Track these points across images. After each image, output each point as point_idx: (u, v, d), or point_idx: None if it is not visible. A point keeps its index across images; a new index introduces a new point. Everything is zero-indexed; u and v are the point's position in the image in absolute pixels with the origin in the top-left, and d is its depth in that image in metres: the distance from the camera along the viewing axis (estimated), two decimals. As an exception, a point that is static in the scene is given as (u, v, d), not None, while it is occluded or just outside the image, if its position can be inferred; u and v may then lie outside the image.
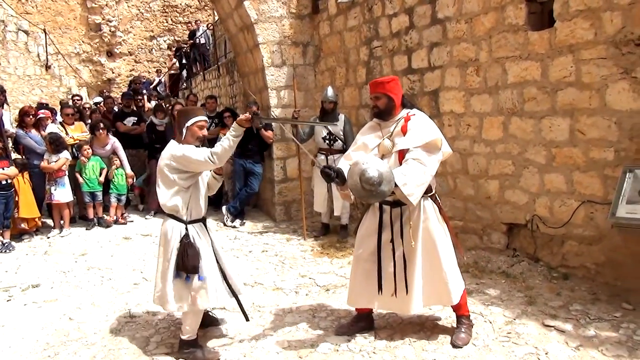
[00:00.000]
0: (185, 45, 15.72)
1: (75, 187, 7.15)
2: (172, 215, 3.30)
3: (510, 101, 4.54)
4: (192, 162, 3.18)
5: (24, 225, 6.53)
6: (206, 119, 3.46)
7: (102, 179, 7.06)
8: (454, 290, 3.27)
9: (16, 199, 6.37)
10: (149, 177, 7.79)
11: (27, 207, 6.49)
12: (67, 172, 6.84)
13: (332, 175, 3.12)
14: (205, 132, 3.37)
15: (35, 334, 3.78)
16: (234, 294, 3.44)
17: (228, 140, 3.14)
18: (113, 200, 7.23)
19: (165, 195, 3.27)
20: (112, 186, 7.23)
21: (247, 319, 3.51)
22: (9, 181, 6.18)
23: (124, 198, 7.40)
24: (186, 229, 3.26)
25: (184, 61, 15.37)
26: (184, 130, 3.31)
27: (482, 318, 3.61)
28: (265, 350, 3.37)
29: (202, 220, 3.39)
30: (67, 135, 7.23)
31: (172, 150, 3.25)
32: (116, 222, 7.20)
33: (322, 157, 6.00)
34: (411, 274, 3.28)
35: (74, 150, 7.26)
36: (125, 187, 7.35)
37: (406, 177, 3.01)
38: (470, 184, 5.06)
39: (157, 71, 17.53)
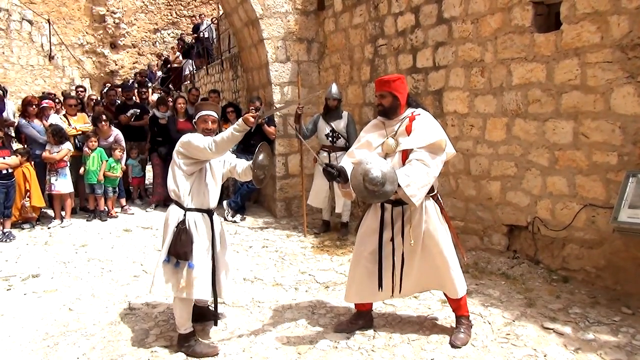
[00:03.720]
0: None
1: (77, 178, 7.15)
2: (176, 202, 3.36)
3: (514, 103, 4.53)
4: (193, 147, 3.26)
5: (33, 214, 6.57)
6: (210, 112, 3.47)
7: (101, 176, 7.02)
8: (459, 283, 3.29)
9: (27, 187, 6.43)
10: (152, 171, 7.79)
11: (37, 195, 6.55)
12: (68, 163, 6.84)
13: (335, 174, 3.12)
14: (209, 124, 3.42)
15: (35, 324, 3.79)
16: (215, 294, 3.43)
17: (229, 133, 3.17)
18: (110, 193, 7.21)
19: (170, 179, 3.38)
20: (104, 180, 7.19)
21: (216, 324, 3.61)
22: (10, 170, 6.19)
23: (117, 190, 7.36)
24: (184, 215, 3.29)
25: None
26: (196, 126, 3.48)
27: (482, 319, 3.61)
28: (264, 345, 3.37)
29: (208, 212, 3.40)
30: (69, 126, 7.23)
31: (183, 137, 3.37)
32: (108, 214, 7.14)
33: (325, 154, 6.00)
34: (408, 274, 3.30)
35: (76, 141, 7.25)
36: (116, 180, 7.32)
37: (409, 178, 3.01)
38: (472, 184, 5.06)
39: (156, 65, 17.49)
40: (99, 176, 7.00)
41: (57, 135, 6.65)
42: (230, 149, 3.53)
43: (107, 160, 7.09)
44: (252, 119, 3.15)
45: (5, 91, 7.63)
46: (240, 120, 3.17)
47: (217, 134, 3.43)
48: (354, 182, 3.01)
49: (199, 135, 3.34)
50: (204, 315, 3.68)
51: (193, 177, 3.34)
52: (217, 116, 3.49)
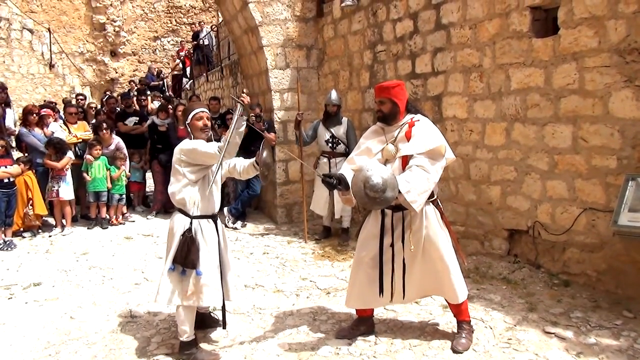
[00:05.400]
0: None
1: (78, 186, 7.16)
2: (180, 210, 3.34)
3: (513, 107, 4.55)
4: (200, 154, 3.21)
5: (37, 222, 6.60)
6: (203, 109, 3.46)
7: (109, 184, 7.05)
8: (459, 288, 3.29)
9: (29, 195, 6.45)
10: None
11: (40, 203, 6.57)
12: (68, 171, 6.82)
13: (334, 183, 3.14)
14: (205, 121, 3.39)
15: (36, 333, 3.79)
16: (224, 298, 3.43)
17: (231, 133, 3.12)
18: (114, 201, 7.22)
19: (174, 188, 3.34)
20: (113, 186, 7.21)
21: (224, 327, 3.57)
22: (12, 179, 6.20)
23: (123, 197, 7.40)
24: (190, 223, 3.29)
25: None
26: (189, 128, 3.42)
27: (483, 324, 3.61)
28: (265, 352, 3.37)
29: (212, 217, 3.39)
30: (70, 134, 7.25)
31: (183, 144, 3.33)
32: (110, 222, 7.16)
33: (325, 160, 6.02)
34: (409, 279, 3.30)
35: (77, 148, 7.27)
36: (123, 187, 7.35)
37: (409, 185, 3.02)
38: (472, 189, 5.07)
39: (158, 72, 17.55)
40: (108, 184, 7.02)
41: (60, 150, 6.66)
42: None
43: (109, 169, 7.10)
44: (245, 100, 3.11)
45: (8, 103, 7.65)
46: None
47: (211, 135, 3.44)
48: (355, 189, 3.02)
49: (200, 141, 3.31)
50: (205, 322, 3.67)
51: (198, 184, 3.32)
52: (209, 113, 3.52)
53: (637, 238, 3.52)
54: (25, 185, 6.43)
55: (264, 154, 3.40)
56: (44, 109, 7.59)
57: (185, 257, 3.20)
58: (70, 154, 6.80)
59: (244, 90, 3.22)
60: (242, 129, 3.18)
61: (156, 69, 16.83)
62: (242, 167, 3.51)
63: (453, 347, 3.28)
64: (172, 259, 3.25)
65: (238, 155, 3.50)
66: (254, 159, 3.45)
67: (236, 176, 3.60)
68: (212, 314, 3.79)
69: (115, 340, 3.65)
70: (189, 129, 3.42)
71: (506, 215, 4.74)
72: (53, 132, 7.02)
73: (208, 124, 3.41)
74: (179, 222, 3.31)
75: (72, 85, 15.41)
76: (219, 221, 3.49)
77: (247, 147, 6.44)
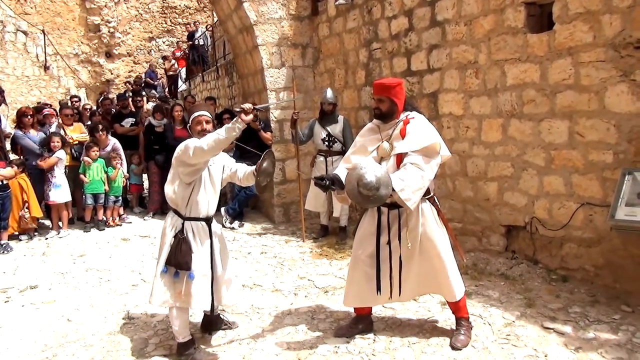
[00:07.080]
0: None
1: (75, 188, 7.12)
2: (175, 210, 3.33)
3: (509, 103, 4.54)
4: (189, 148, 3.12)
5: (33, 225, 6.57)
6: (202, 112, 3.38)
7: (107, 187, 7.03)
8: (456, 286, 3.29)
9: (24, 198, 6.41)
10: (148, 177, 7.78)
11: (35, 206, 6.54)
12: (58, 173, 6.77)
13: (327, 184, 3.13)
14: (204, 125, 3.31)
15: (33, 336, 3.77)
16: (213, 304, 3.35)
17: (222, 130, 3.05)
18: (110, 202, 7.19)
19: (169, 188, 3.32)
20: (110, 188, 7.18)
21: (210, 333, 3.57)
22: (5, 182, 6.16)
23: (120, 199, 7.37)
24: (182, 224, 3.27)
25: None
26: (191, 130, 3.40)
27: (482, 320, 3.61)
28: (264, 352, 3.36)
29: (206, 221, 3.35)
30: (66, 136, 7.22)
31: (181, 143, 3.26)
32: (107, 223, 7.13)
33: (322, 158, 6.01)
34: (407, 277, 3.30)
35: (72, 150, 7.24)
36: (120, 188, 7.32)
37: (404, 182, 3.02)
38: (469, 186, 5.06)
39: (156, 66, 17.54)
40: (106, 186, 6.99)
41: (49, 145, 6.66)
42: (230, 154, 3.49)
43: (107, 172, 7.07)
44: (248, 108, 3.04)
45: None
46: (237, 117, 3.06)
47: None
48: (348, 188, 3.01)
49: (194, 139, 3.24)
50: (212, 324, 3.63)
51: (192, 185, 3.29)
52: (210, 116, 3.42)
53: (634, 232, 3.52)
54: (20, 188, 6.40)
55: (265, 163, 3.32)
56: (46, 109, 7.58)
57: (179, 258, 3.18)
58: (60, 154, 6.72)
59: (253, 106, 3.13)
60: (235, 133, 3.07)
61: (156, 67, 16.85)
62: (243, 173, 3.48)
63: (452, 343, 3.27)
64: (164, 260, 3.23)
65: (235, 154, 3.47)
66: (254, 167, 3.40)
67: (237, 182, 3.56)
68: (221, 316, 3.75)
69: (113, 342, 3.63)
70: (190, 132, 3.40)
71: (503, 212, 4.74)
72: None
73: (206, 128, 3.30)
74: (172, 223, 3.31)
75: (68, 87, 15.35)
76: (216, 225, 3.46)
77: (244, 148, 6.43)
